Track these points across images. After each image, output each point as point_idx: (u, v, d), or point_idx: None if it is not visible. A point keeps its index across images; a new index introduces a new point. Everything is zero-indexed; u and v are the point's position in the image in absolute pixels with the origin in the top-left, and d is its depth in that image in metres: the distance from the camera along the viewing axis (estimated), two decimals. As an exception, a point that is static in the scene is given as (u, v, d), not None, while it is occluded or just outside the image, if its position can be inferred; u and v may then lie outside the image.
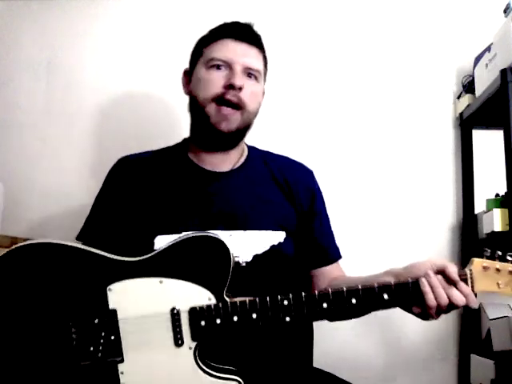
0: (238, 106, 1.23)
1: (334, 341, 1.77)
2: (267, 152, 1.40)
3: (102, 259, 1.03)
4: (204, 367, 1.00)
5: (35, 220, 1.85)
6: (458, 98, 1.90)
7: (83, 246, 1.05)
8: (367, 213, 1.86)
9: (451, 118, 1.92)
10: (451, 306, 1.04)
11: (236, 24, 1.31)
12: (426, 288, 1.02)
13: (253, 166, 1.33)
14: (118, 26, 1.95)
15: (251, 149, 1.38)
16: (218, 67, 1.24)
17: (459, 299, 1.03)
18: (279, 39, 1.91)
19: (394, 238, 1.85)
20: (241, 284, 1.09)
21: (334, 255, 1.34)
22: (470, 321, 1.77)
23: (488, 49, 1.70)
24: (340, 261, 1.35)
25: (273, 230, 1.24)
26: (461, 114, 1.87)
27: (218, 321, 1.00)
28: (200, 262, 1.03)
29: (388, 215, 1.86)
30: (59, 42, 1.94)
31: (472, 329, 1.76)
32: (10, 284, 1.00)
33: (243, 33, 1.28)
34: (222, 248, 1.04)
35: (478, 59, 1.78)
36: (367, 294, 1.03)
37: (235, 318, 1.00)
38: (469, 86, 1.84)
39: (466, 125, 1.87)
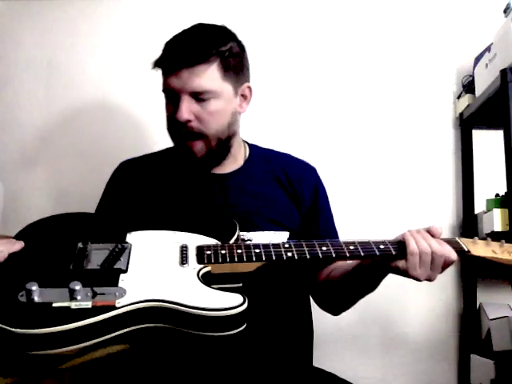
0: (198, 135, 1.19)
1: (333, 340, 1.77)
2: (269, 150, 1.38)
3: (122, 218, 1.21)
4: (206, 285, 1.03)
5: (35, 220, 1.85)
6: (458, 98, 1.90)
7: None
8: (367, 212, 1.86)
9: (451, 118, 1.92)
10: (435, 260, 1.05)
11: (170, 50, 1.19)
12: (407, 236, 1.07)
13: (254, 165, 1.32)
14: (118, 26, 1.95)
15: (252, 147, 1.36)
16: (170, 98, 1.20)
17: (438, 249, 1.05)
18: (283, 39, 1.92)
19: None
20: (244, 287, 1.08)
21: None
22: (470, 321, 1.77)
23: (488, 49, 1.70)
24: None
25: (276, 230, 1.24)
26: (461, 114, 1.87)
27: (223, 251, 1.06)
28: (210, 224, 1.15)
29: (388, 215, 1.86)
30: (59, 42, 1.94)
31: (472, 329, 1.77)
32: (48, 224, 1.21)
33: (179, 58, 1.15)
34: (228, 218, 1.17)
35: (478, 59, 1.78)
36: (362, 244, 1.10)
37: (239, 251, 1.06)
38: (469, 86, 1.84)
39: (466, 125, 1.87)
